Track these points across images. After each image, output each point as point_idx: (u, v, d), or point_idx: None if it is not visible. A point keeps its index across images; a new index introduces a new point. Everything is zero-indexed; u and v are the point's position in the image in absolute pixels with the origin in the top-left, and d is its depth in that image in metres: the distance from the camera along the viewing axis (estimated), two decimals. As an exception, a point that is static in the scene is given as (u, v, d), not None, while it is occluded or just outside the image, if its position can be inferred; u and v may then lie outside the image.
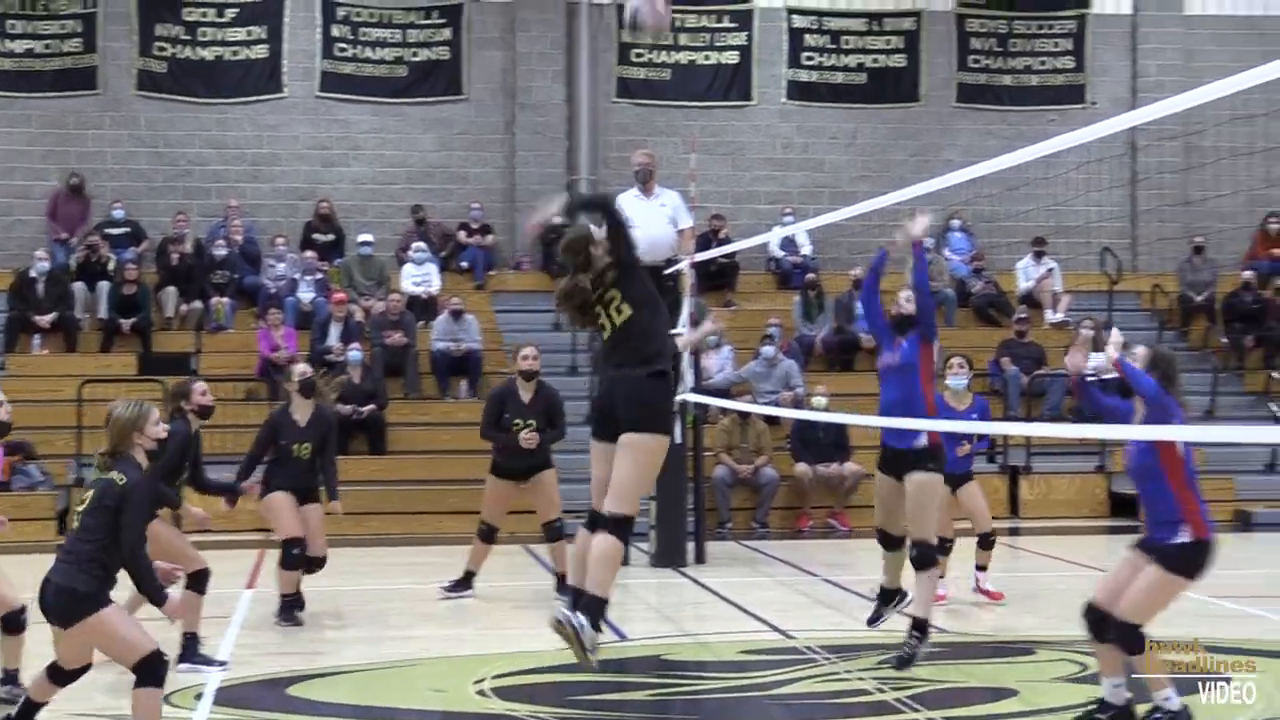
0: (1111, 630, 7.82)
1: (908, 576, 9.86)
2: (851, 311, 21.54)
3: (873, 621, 10.15)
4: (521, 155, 23.48)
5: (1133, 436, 7.95)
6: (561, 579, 12.14)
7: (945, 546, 11.69)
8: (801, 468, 18.53)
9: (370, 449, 18.98)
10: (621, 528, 7.92)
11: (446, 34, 23.50)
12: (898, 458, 9.71)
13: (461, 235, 22.89)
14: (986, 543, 12.39)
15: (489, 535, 12.97)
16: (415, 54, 23.48)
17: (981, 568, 12.53)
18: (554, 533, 12.84)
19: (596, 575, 7.88)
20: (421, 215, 22.67)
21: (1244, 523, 18.84)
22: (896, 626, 9.90)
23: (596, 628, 7.85)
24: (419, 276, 21.82)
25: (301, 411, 11.75)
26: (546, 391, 13.08)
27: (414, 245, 21.97)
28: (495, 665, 9.83)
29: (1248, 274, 22.64)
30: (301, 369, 12.02)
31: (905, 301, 9.80)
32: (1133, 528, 18.52)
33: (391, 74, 23.47)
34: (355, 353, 19.12)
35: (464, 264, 22.75)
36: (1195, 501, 7.80)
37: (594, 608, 7.85)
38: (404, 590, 13.65)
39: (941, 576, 11.41)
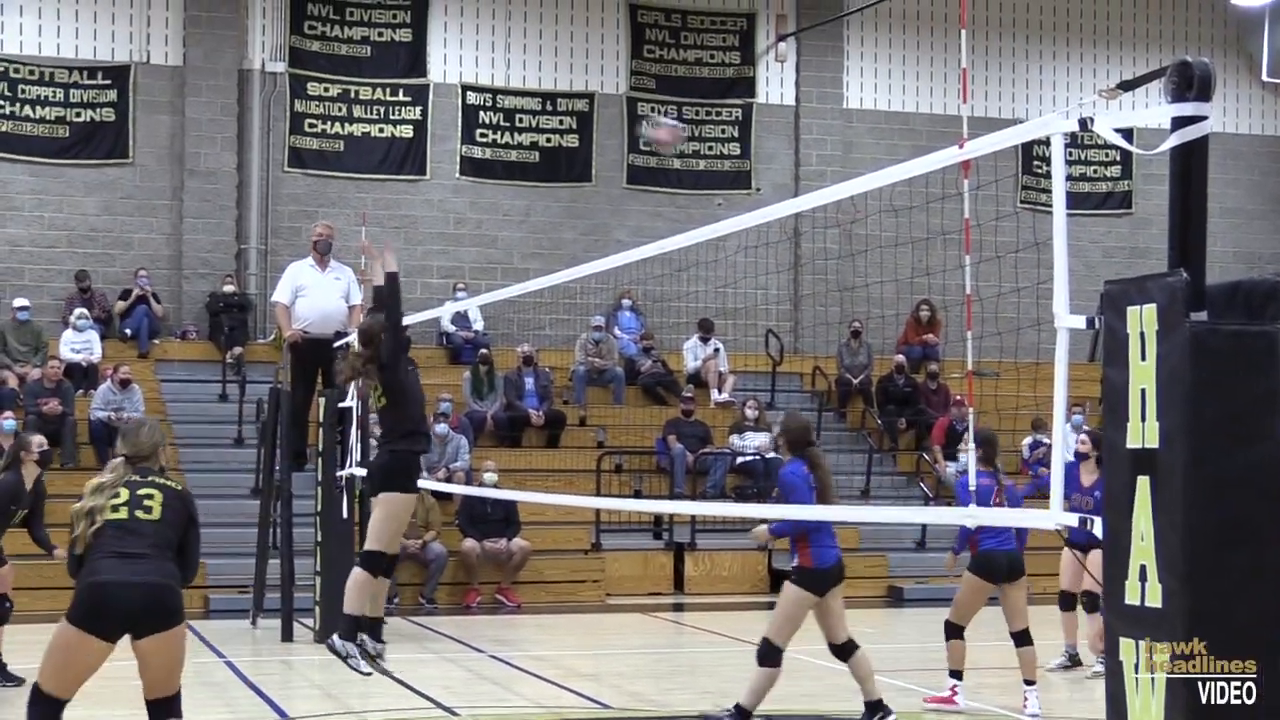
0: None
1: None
2: (521, 388, 21.67)
3: None
4: (190, 222, 23.00)
5: (785, 516, 8.17)
6: None
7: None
8: (469, 543, 18.52)
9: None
10: (368, 560, 9.82)
11: (111, 95, 22.88)
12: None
13: (122, 304, 22.24)
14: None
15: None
16: (78, 114, 22.79)
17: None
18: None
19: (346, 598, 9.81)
20: (87, 284, 21.97)
21: (896, 598, 19.54)
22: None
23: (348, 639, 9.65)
24: (79, 343, 21.13)
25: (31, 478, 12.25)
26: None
27: (75, 311, 21.29)
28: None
29: (900, 358, 23.59)
30: (39, 440, 12.55)
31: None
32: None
33: (53, 134, 22.72)
34: (9, 421, 18.36)
35: (127, 331, 22.11)
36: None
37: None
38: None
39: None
